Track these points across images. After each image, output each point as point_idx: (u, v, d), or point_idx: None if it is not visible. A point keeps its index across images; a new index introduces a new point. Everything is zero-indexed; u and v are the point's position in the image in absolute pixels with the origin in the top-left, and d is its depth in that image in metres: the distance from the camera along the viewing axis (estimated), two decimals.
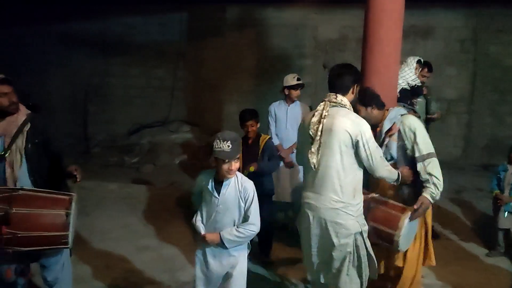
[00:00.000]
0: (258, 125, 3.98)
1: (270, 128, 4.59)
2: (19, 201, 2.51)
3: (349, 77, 2.64)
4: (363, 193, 2.72)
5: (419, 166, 2.78)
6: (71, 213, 2.58)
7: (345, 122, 2.52)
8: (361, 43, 3.71)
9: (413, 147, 2.81)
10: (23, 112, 2.82)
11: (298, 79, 4.50)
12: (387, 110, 2.97)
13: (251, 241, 3.58)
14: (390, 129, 2.88)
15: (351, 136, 2.50)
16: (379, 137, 2.88)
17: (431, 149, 2.82)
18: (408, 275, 2.98)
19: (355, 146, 2.52)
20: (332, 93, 2.62)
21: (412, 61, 4.30)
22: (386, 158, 2.77)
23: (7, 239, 2.45)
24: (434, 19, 7.14)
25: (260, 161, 3.88)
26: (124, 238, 4.53)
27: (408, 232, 2.74)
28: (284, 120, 4.54)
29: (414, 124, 2.85)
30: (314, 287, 2.87)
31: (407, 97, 4.12)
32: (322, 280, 2.73)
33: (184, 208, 5.43)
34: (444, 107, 5.02)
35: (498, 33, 7.03)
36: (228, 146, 2.40)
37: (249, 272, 3.78)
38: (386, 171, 2.65)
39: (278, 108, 4.59)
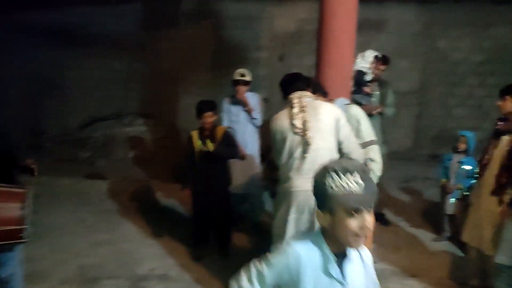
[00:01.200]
0: (216, 116, 3.97)
1: (222, 123, 4.56)
2: None
3: (303, 78, 2.94)
4: None
5: (363, 151, 2.96)
6: (26, 207, 2.52)
7: (327, 108, 2.76)
8: (316, 36, 3.77)
9: (356, 134, 2.98)
10: None
11: (242, 75, 4.49)
12: (331, 100, 3.13)
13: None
14: None
15: (335, 119, 2.72)
16: None
17: (373, 137, 3.08)
18: None
19: (338, 128, 2.72)
20: (299, 91, 2.81)
21: (369, 55, 4.39)
22: None
23: None
24: (387, 12, 7.33)
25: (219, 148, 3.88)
26: (79, 233, 4.43)
27: None
28: (237, 113, 4.54)
29: (358, 114, 3.09)
30: None
31: (361, 82, 4.25)
32: None
33: (139, 202, 5.36)
34: (397, 99, 5.24)
35: (448, 28, 7.33)
36: (359, 182, 1.36)
37: (209, 265, 3.85)
38: (360, 153, 2.84)
39: (231, 102, 4.59)
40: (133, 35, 8.08)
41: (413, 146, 7.48)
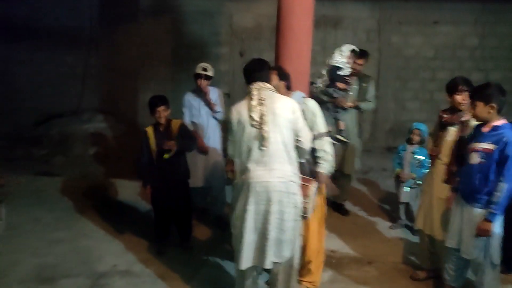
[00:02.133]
0: (169, 111, 3.97)
1: (184, 117, 4.55)
2: None
3: (267, 67, 2.98)
4: None
5: (317, 143, 3.15)
6: None
7: (284, 102, 2.84)
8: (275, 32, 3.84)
9: (311, 126, 3.11)
10: None
11: (204, 69, 4.49)
12: (291, 92, 3.24)
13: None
14: None
15: (292, 113, 2.81)
16: None
17: (326, 129, 3.22)
18: (313, 241, 3.27)
19: (294, 121, 2.81)
20: (259, 82, 2.85)
21: (346, 49, 4.45)
22: None
23: None
24: (343, 10, 7.51)
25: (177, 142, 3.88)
26: (35, 232, 4.31)
27: (313, 201, 3.06)
28: (198, 107, 4.54)
29: (314, 107, 3.21)
30: (242, 273, 2.94)
31: (334, 77, 4.35)
32: (272, 260, 2.80)
33: (98, 199, 5.27)
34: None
35: (399, 24, 7.60)
36: None
37: (172, 259, 3.86)
38: (309, 145, 2.98)
39: (192, 97, 4.58)
40: (88, 30, 7.89)
41: (370, 139, 7.72)
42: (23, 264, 3.68)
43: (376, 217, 4.81)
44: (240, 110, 2.85)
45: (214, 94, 4.57)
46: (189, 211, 4.11)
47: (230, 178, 3.94)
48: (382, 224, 4.63)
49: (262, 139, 2.74)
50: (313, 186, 3.04)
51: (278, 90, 3.09)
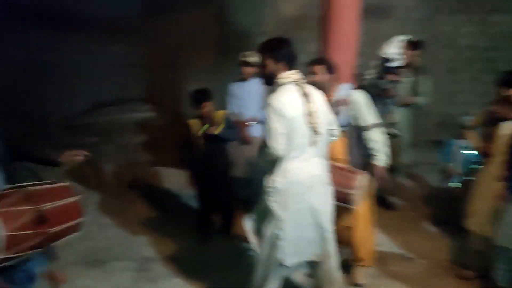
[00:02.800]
0: (212, 103, 3.98)
1: (228, 107, 4.59)
2: (39, 197, 2.33)
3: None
4: None
5: (368, 134, 3.14)
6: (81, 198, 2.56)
7: (318, 94, 2.70)
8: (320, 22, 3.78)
9: (360, 118, 3.14)
10: None
11: (247, 57, 4.49)
12: (338, 84, 3.21)
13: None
14: (341, 100, 3.14)
15: (324, 104, 2.72)
16: (331, 106, 3.08)
17: (377, 120, 3.18)
18: (361, 233, 3.27)
19: (328, 113, 2.75)
20: (297, 71, 2.62)
21: (400, 40, 4.32)
22: (340, 125, 3.02)
23: (45, 238, 2.32)
24: None
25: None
26: (87, 216, 4.49)
27: (360, 192, 3.03)
28: (242, 97, 4.57)
29: (362, 98, 3.17)
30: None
31: (385, 69, 4.22)
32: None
33: (144, 186, 5.43)
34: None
35: (453, 13, 7.29)
36: None
37: (213, 248, 3.93)
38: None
39: (237, 86, 4.62)
40: (135, 20, 8.06)
41: (416, 132, 7.49)
42: (75, 247, 3.84)
43: (421, 212, 4.68)
44: (292, 102, 2.56)
45: (259, 86, 4.57)
46: (231, 201, 4.16)
47: None
48: (427, 220, 4.51)
49: (314, 134, 2.60)
50: (360, 177, 3.00)
51: (326, 84, 3.06)
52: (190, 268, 3.60)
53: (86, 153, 2.70)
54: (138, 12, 8.07)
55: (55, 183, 2.55)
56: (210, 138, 3.87)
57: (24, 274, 2.55)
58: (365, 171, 3.07)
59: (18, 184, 2.38)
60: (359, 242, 3.30)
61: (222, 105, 4.46)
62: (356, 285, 3.34)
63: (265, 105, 4.48)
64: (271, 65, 2.60)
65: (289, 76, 2.58)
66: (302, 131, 2.57)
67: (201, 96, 3.88)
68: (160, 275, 3.48)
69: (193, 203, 4.73)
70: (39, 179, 2.60)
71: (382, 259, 3.68)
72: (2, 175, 2.35)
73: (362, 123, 3.12)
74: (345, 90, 3.13)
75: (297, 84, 2.59)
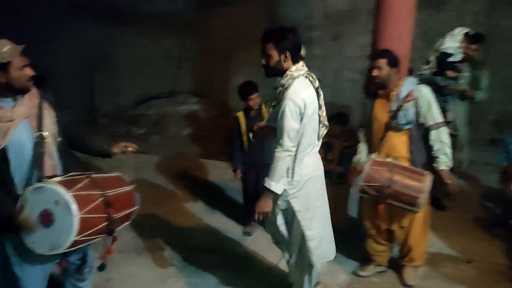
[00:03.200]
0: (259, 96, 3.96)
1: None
2: (102, 184, 2.38)
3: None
4: None
5: (434, 134, 2.96)
6: (135, 188, 2.61)
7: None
8: (372, 14, 3.65)
9: (426, 115, 2.96)
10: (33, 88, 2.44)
11: None
12: (401, 79, 3.07)
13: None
14: (407, 95, 2.97)
15: None
16: (395, 102, 2.99)
17: (442, 119, 3.01)
18: (417, 229, 3.15)
19: None
20: (303, 63, 2.54)
21: (458, 33, 4.13)
22: (403, 122, 2.96)
23: (109, 224, 2.36)
24: None
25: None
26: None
27: (426, 196, 2.91)
28: None
29: (429, 94, 3.00)
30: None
31: (443, 64, 4.02)
32: None
33: (191, 178, 5.49)
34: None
35: None
36: None
37: (258, 240, 3.92)
38: None
39: None
40: (185, 13, 8.16)
41: (471, 130, 7.16)
42: (122, 235, 3.93)
43: (476, 214, 4.45)
44: (311, 96, 2.46)
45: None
46: None
47: None
48: (482, 222, 4.28)
49: (323, 128, 2.59)
50: (427, 180, 2.87)
51: (388, 78, 2.96)
52: (234, 261, 3.61)
53: (135, 145, 2.75)
54: (189, 6, 8.17)
55: (108, 172, 2.61)
56: (257, 132, 3.84)
57: (83, 259, 2.64)
58: (429, 173, 2.93)
59: (79, 172, 2.44)
60: (414, 243, 3.18)
61: (271, 99, 4.42)
62: (406, 285, 3.22)
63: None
64: (275, 56, 2.46)
65: (301, 68, 2.49)
66: (316, 126, 2.54)
67: (248, 89, 3.88)
68: (204, 267, 3.51)
69: (238, 196, 4.75)
70: (92, 167, 2.66)
71: (432, 260, 3.53)
72: (61, 163, 2.42)
73: (430, 121, 2.96)
74: (410, 85, 3.00)
75: (307, 77, 2.50)
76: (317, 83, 2.52)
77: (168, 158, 6.21)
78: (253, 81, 3.97)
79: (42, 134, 2.29)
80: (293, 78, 2.45)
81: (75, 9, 8.23)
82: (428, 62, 4.16)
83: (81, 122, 7.41)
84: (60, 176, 2.31)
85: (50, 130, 2.34)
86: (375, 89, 3.13)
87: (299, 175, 2.55)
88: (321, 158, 3.77)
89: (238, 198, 4.72)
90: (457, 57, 4.05)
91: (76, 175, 2.37)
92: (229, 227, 4.19)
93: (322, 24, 7.47)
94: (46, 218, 2.17)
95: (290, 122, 2.40)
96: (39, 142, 2.27)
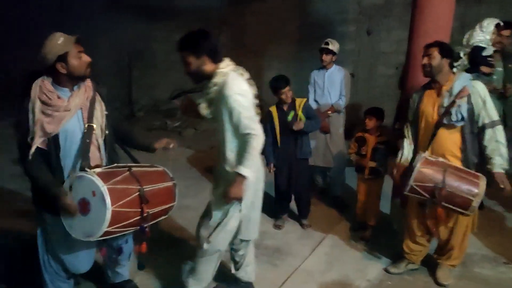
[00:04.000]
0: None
1: (309, 95, 4.56)
2: (141, 178, 2.45)
3: None
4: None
5: (489, 133, 2.81)
6: (175, 184, 2.68)
7: None
8: (408, 8, 3.57)
9: (480, 112, 2.82)
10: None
11: (326, 43, 4.40)
12: (454, 73, 2.96)
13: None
14: (461, 91, 2.84)
15: None
16: (448, 98, 2.87)
17: (498, 116, 2.85)
18: (461, 234, 3.06)
19: None
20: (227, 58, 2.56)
21: (488, 24, 3.93)
22: (456, 119, 2.81)
23: (142, 218, 2.44)
24: None
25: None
26: None
27: (480, 199, 2.78)
28: (322, 86, 4.50)
29: (484, 90, 2.85)
30: None
31: (476, 60, 3.87)
32: None
33: None
34: None
35: None
36: None
37: (288, 234, 3.93)
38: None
39: (317, 74, 4.56)
40: (219, 9, 8.23)
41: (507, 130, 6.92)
42: (155, 225, 4.04)
43: None
44: (248, 88, 2.50)
45: (340, 74, 4.47)
46: (309, 189, 4.13)
47: (351, 159, 3.88)
48: None
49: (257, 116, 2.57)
50: (483, 183, 2.73)
51: (440, 69, 2.87)
52: (265, 254, 3.62)
53: (176, 143, 2.83)
54: (223, 3, 8.23)
55: (152, 166, 2.68)
56: (290, 126, 3.85)
57: (118, 250, 2.75)
58: (482, 175, 2.78)
59: (121, 164, 2.54)
60: (456, 242, 3.10)
61: (300, 93, 4.42)
62: (440, 284, 3.16)
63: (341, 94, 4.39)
64: (194, 62, 2.45)
65: (229, 63, 2.50)
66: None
67: (279, 83, 3.88)
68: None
69: (269, 189, 4.76)
70: (136, 161, 2.75)
71: (468, 260, 3.44)
72: (106, 155, 2.52)
73: (484, 119, 2.81)
74: (464, 80, 2.86)
75: (235, 71, 2.50)
76: (246, 75, 2.54)
77: (201, 151, 6.30)
78: (285, 76, 3.97)
79: (91, 125, 2.39)
80: (225, 75, 2.45)
81: (112, 6, 8.44)
82: (457, 59, 3.99)
83: (120, 115, 7.61)
84: (102, 167, 2.40)
85: (99, 123, 2.44)
86: (424, 76, 3.01)
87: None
88: (354, 153, 3.80)
89: (269, 192, 4.73)
90: (489, 50, 3.87)
91: (117, 167, 2.46)
92: (260, 220, 4.19)
93: (355, 18, 7.38)
94: (84, 207, 2.27)
95: (247, 112, 2.39)
96: (88, 133, 2.38)
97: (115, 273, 2.87)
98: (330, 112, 4.44)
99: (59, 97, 2.32)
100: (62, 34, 2.29)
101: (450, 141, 2.89)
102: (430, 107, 2.96)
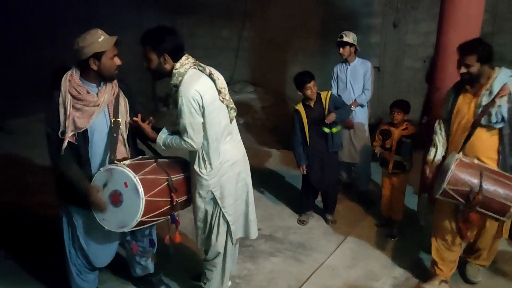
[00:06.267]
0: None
1: (332, 90, 4.49)
2: (167, 169, 2.53)
3: None
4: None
5: None
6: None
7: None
8: None
9: None
10: None
11: (340, 36, 4.32)
12: (493, 69, 2.71)
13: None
14: (501, 90, 2.62)
15: None
16: (487, 97, 2.66)
17: None
18: (492, 235, 2.94)
19: None
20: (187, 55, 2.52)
21: None
22: (495, 121, 2.62)
23: (172, 207, 2.51)
24: None
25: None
26: None
27: None
28: (345, 80, 4.43)
29: None
30: None
31: None
32: None
33: (251, 165, 5.53)
34: None
35: None
36: None
37: (313, 229, 3.91)
38: None
39: (340, 68, 4.50)
40: (243, 4, 8.20)
41: None
42: (181, 218, 4.07)
43: None
44: (205, 85, 2.46)
45: (364, 67, 4.40)
46: (337, 184, 4.10)
47: (376, 153, 3.81)
48: None
49: (232, 111, 2.61)
50: None
51: (480, 75, 2.66)
52: (288, 249, 3.62)
53: None
54: None
55: (174, 157, 2.74)
56: (318, 122, 3.81)
57: (148, 239, 2.79)
58: None
59: (146, 156, 2.62)
60: (485, 246, 3.01)
61: (329, 88, 4.37)
62: (469, 282, 3.10)
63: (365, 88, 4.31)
64: (154, 59, 2.42)
65: (185, 62, 2.44)
66: (220, 113, 2.49)
67: (304, 78, 3.83)
68: (260, 254, 3.55)
69: (294, 184, 4.76)
70: (157, 154, 2.76)
71: (499, 258, 3.35)
72: (130, 149, 2.57)
73: None
74: (504, 77, 2.64)
75: (195, 68, 2.47)
76: (208, 70, 2.48)
77: None
78: (309, 71, 3.92)
79: (117, 120, 2.44)
80: (182, 75, 2.41)
81: (136, 2, 8.51)
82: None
83: (144, 110, 7.69)
84: (130, 159, 2.46)
85: (123, 118, 2.49)
86: (463, 84, 2.81)
87: (218, 164, 2.54)
88: (379, 146, 3.73)
89: (293, 187, 4.73)
90: None
91: (144, 159, 2.54)
92: (284, 215, 4.20)
93: (381, 10, 7.23)
94: (116, 198, 2.33)
95: (191, 119, 2.37)
96: (115, 127, 2.43)
97: (141, 266, 2.91)
98: (353, 106, 4.37)
99: (88, 92, 2.36)
100: (103, 33, 2.34)
101: (487, 142, 2.70)
102: (466, 106, 2.77)
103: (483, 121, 2.66)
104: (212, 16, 8.34)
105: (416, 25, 6.80)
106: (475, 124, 2.68)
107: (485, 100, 2.66)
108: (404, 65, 6.93)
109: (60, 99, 2.32)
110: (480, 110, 2.66)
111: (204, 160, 2.52)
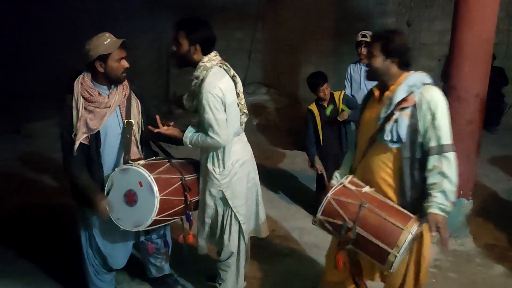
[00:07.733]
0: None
1: (346, 90, 4.48)
2: (182, 169, 2.57)
3: None
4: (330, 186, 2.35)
5: (433, 161, 2.02)
6: None
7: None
8: None
9: (427, 131, 2.03)
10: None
11: (364, 36, 4.30)
12: (403, 72, 2.15)
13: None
14: (404, 100, 2.06)
15: None
16: (387, 107, 2.10)
17: (451, 140, 2.03)
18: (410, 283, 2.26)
19: None
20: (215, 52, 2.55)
21: None
22: (390, 138, 2.07)
23: (185, 206, 2.55)
24: None
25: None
26: None
27: (403, 253, 2.03)
28: (359, 80, 4.42)
29: (437, 101, 2.02)
30: None
31: None
32: None
33: (260, 166, 5.53)
34: None
35: None
36: None
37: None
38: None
39: (353, 69, 4.49)
40: (256, 5, 8.22)
41: None
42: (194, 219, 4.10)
43: None
44: (228, 85, 2.48)
45: None
46: None
47: None
48: None
49: (243, 116, 2.63)
50: (410, 230, 1.99)
51: (385, 71, 2.15)
52: (302, 249, 3.62)
53: None
54: None
55: (186, 158, 2.78)
56: (331, 121, 3.81)
57: (162, 240, 2.82)
58: (416, 218, 2.07)
59: (159, 157, 2.67)
60: None
61: (342, 88, 4.36)
62: None
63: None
64: (185, 45, 2.43)
65: (214, 58, 2.47)
66: (237, 114, 2.52)
67: (317, 80, 3.85)
68: (275, 255, 3.56)
69: (309, 185, 4.75)
70: (170, 156, 2.80)
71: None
72: (143, 150, 2.61)
73: (431, 141, 2.03)
74: (411, 84, 2.09)
75: (221, 66, 2.49)
76: (232, 72, 2.52)
77: None
78: (322, 72, 3.92)
79: (130, 122, 2.47)
80: (207, 69, 2.43)
81: (151, 6, 8.59)
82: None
83: (158, 113, 7.75)
84: (143, 160, 2.50)
85: (136, 119, 2.52)
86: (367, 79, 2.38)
87: (230, 165, 2.55)
88: None
89: (308, 187, 4.72)
90: None
91: (157, 159, 2.58)
92: (299, 216, 4.20)
93: (395, 10, 7.19)
94: (131, 198, 2.36)
95: (217, 114, 2.38)
96: (127, 129, 2.47)
97: (156, 267, 2.94)
98: None
99: (99, 94, 2.41)
100: (110, 35, 2.38)
101: (383, 165, 2.15)
102: (370, 115, 2.23)
103: (378, 138, 2.12)
104: (225, 18, 8.37)
105: (431, 23, 6.76)
106: (371, 141, 2.16)
107: (384, 112, 2.11)
108: (419, 64, 6.86)
109: (73, 102, 2.37)
110: (379, 123, 2.12)
111: (218, 160, 2.54)
